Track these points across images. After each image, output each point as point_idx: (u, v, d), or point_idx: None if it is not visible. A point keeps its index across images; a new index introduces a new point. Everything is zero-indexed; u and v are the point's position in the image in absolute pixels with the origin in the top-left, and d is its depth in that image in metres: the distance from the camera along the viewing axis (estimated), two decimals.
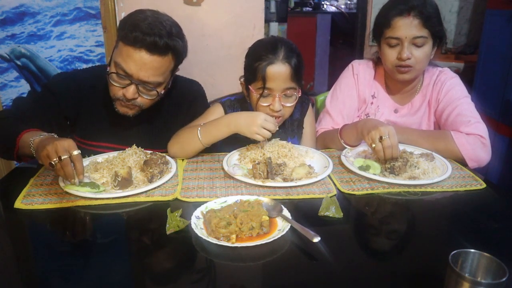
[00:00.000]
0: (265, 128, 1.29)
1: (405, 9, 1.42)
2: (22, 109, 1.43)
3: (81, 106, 1.47)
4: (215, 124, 1.35)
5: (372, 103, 1.64)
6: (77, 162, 1.10)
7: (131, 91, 1.30)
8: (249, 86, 1.41)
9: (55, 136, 1.21)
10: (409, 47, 1.43)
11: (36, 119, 1.35)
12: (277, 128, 1.33)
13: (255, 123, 1.28)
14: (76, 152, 1.09)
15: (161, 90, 1.36)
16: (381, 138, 1.24)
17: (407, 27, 1.41)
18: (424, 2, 1.42)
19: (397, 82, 1.56)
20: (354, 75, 1.65)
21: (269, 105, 1.39)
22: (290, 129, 1.59)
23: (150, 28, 1.25)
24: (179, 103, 1.55)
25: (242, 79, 1.48)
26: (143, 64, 1.27)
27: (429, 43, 1.45)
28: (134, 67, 1.27)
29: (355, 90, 1.65)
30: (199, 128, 1.35)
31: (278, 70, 1.35)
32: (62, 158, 1.07)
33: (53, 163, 1.07)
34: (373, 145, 1.27)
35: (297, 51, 1.41)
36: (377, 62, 1.65)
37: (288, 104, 1.41)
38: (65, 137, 1.15)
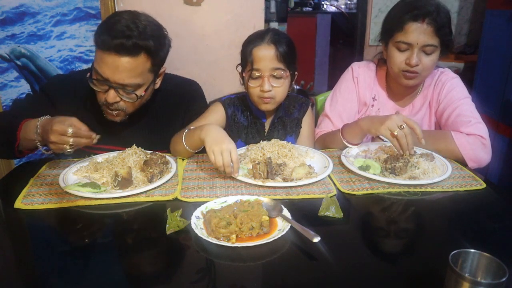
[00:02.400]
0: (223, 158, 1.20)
1: (419, 14, 1.39)
2: (20, 111, 1.43)
3: (77, 108, 1.46)
4: (195, 130, 1.32)
5: (372, 105, 1.64)
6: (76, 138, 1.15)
7: (111, 95, 1.30)
8: (243, 73, 1.48)
9: (46, 118, 1.24)
10: (418, 54, 1.42)
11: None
12: (235, 163, 1.21)
13: (220, 144, 1.21)
14: (70, 130, 1.13)
15: (141, 93, 1.34)
16: (400, 126, 1.26)
17: (419, 33, 1.40)
18: (438, 10, 1.40)
19: (400, 85, 1.56)
20: (354, 78, 1.65)
21: (259, 86, 1.44)
22: (289, 126, 1.61)
23: (120, 30, 1.24)
24: (177, 103, 1.55)
25: (238, 68, 1.53)
26: (116, 67, 1.25)
27: (438, 51, 1.44)
28: (108, 71, 1.26)
29: (355, 93, 1.65)
30: (185, 132, 1.35)
31: (264, 51, 1.42)
32: (71, 142, 1.14)
33: (70, 150, 1.15)
34: (396, 133, 1.27)
35: (286, 37, 1.48)
36: (379, 63, 1.65)
37: (277, 85, 1.44)
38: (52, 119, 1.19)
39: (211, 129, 1.27)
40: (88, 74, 1.33)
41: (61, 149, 1.14)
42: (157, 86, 1.43)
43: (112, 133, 1.47)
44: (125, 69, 1.26)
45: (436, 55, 1.45)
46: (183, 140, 1.34)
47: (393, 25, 1.47)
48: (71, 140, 1.13)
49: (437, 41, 1.41)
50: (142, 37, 1.26)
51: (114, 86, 1.29)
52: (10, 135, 1.27)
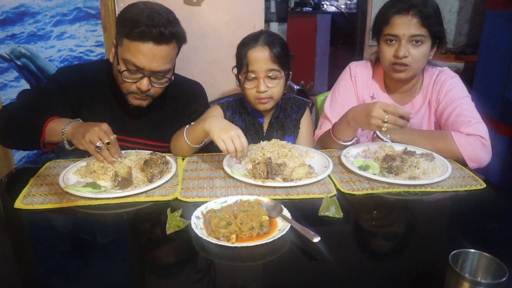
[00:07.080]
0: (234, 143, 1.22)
1: (404, 7, 1.42)
2: (31, 101, 1.44)
3: (85, 98, 1.50)
4: (196, 124, 1.34)
5: None
6: (113, 146, 1.23)
7: (145, 83, 1.35)
8: (239, 75, 1.50)
9: (80, 120, 1.30)
10: (406, 46, 1.43)
11: (46, 111, 1.36)
12: (245, 148, 1.24)
13: (228, 131, 1.22)
14: (113, 136, 1.22)
15: (171, 76, 1.42)
16: (383, 120, 1.28)
17: (405, 25, 1.42)
18: (424, 1, 1.42)
19: (395, 80, 1.56)
20: (351, 77, 1.66)
21: (255, 88, 1.46)
22: (287, 127, 1.63)
23: (151, 20, 1.28)
24: (179, 102, 1.58)
25: (234, 71, 1.55)
26: (153, 55, 1.31)
27: (427, 43, 1.45)
28: (145, 60, 1.31)
29: (353, 93, 1.65)
30: (185, 128, 1.37)
31: (258, 52, 1.44)
32: (106, 141, 1.20)
33: (100, 146, 1.19)
34: (384, 129, 1.30)
35: (279, 38, 1.50)
36: (376, 62, 1.65)
37: (273, 85, 1.47)
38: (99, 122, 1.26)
39: (215, 119, 1.30)
40: (119, 67, 1.36)
41: (93, 142, 1.18)
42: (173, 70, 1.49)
43: (115, 123, 1.49)
44: (162, 56, 1.32)
45: (426, 47, 1.45)
46: (184, 135, 1.35)
47: (380, 21, 1.50)
48: (107, 140, 1.20)
49: (425, 31, 1.42)
50: (173, 25, 1.33)
51: (148, 74, 1.34)
52: (35, 130, 1.30)
